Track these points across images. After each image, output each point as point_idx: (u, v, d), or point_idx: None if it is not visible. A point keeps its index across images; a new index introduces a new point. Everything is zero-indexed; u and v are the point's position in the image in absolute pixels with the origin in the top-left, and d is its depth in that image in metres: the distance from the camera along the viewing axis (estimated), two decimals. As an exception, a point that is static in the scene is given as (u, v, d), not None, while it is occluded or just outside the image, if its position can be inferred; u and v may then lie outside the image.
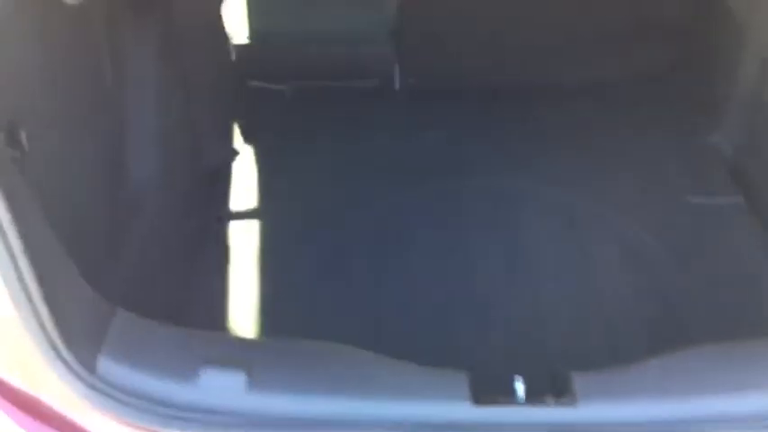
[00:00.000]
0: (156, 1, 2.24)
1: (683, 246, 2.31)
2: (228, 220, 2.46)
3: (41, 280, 1.25)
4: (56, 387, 1.33)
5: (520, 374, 1.42)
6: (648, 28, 2.89)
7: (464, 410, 1.34)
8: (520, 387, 1.41)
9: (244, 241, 2.39)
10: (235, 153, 2.71)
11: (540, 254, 2.33)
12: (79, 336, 1.35)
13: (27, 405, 1.40)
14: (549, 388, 1.41)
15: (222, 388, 1.40)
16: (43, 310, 1.26)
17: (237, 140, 2.77)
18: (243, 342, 1.65)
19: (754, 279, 2.21)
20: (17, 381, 1.39)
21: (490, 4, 2.94)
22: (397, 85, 3.12)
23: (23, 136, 1.38)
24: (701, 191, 2.49)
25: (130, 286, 1.81)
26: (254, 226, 2.46)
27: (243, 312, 2.15)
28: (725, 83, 2.60)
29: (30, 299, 1.24)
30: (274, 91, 3.09)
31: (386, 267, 2.31)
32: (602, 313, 2.13)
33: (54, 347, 1.29)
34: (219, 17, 2.66)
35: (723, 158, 2.59)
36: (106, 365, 1.39)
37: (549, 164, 2.63)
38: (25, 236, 1.21)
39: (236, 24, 3.05)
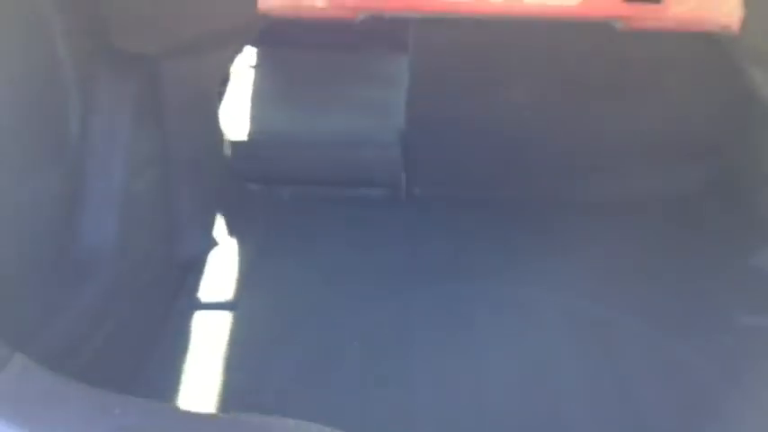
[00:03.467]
0: (140, 63, 2.04)
1: (734, 365, 1.93)
2: (197, 309, 2.11)
3: None
4: None
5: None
6: (680, 146, 2.67)
7: None
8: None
9: (213, 334, 2.03)
10: (214, 243, 2.40)
11: (567, 368, 1.95)
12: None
13: None
14: None
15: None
16: None
17: (219, 232, 2.48)
18: (178, 412, 1.27)
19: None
20: None
21: (505, 115, 2.76)
22: (403, 195, 2.88)
23: None
24: (750, 311, 2.14)
25: (70, 357, 1.49)
26: (228, 319, 2.10)
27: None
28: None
29: None
30: (271, 192, 2.85)
31: (380, 373, 1.93)
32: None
33: None
34: (214, 101, 2.46)
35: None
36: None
37: (573, 277, 2.31)
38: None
39: (236, 121, 2.88)
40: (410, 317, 2.16)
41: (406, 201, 2.86)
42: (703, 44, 2.29)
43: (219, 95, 2.55)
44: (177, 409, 1.42)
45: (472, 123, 2.77)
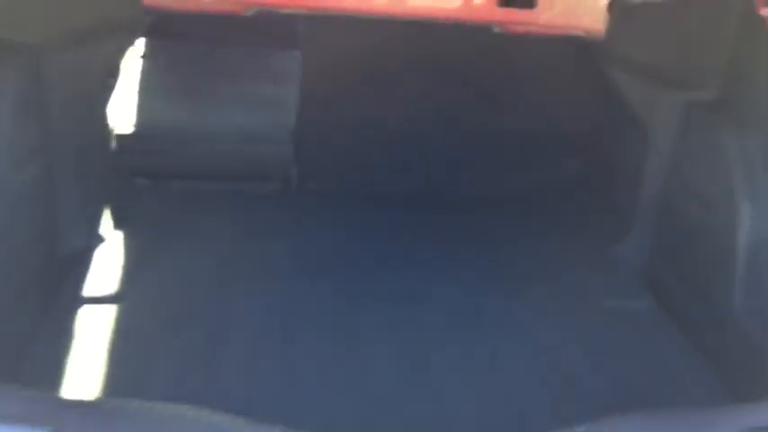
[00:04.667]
0: (22, 53, 2.00)
1: (593, 344, 2.10)
2: (80, 303, 2.09)
3: None
4: None
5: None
6: (552, 143, 2.86)
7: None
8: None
9: (97, 327, 2.02)
10: (99, 239, 2.38)
11: (444, 349, 2.06)
12: None
13: None
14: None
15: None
16: None
17: (106, 227, 2.46)
18: (58, 400, 1.27)
19: (670, 378, 2.00)
20: None
21: (393, 112, 2.86)
22: (294, 188, 2.93)
23: None
24: (613, 295, 2.33)
25: None
26: (113, 312, 2.09)
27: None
28: (631, 191, 2.54)
29: None
30: (160, 187, 2.83)
31: (265, 360, 1.97)
32: (513, 408, 1.85)
33: None
34: (99, 94, 2.43)
35: (632, 265, 2.46)
36: None
37: (453, 265, 2.43)
38: None
39: (124, 114, 2.84)
40: (297, 306, 2.21)
41: (298, 195, 2.91)
42: (573, 49, 2.46)
43: (108, 88, 2.51)
44: (59, 397, 1.42)
45: (362, 120, 2.86)
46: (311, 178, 2.95)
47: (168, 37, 2.99)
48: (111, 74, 2.63)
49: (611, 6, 2.25)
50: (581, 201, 2.84)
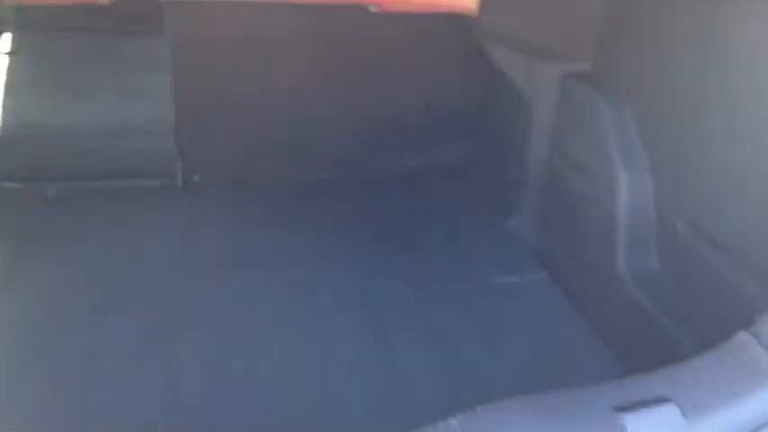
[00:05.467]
0: None
1: (489, 324, 2.09)
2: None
3: None
4: None
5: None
6: (440, 121, 2.83)
7: None
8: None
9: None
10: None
11: (336, 343, 2.01)
12: None
13: None
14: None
15: None
16: None
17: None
18: None
19: (564, 353, 2.01)
20: None
21: (274, 97, 2.77)
22: (180, 183, 2.81)
23: None
24: (505, 271, 2.33)
25: None
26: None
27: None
28: (518, 165, 2.54)
29: None
30: (31, 191, 2.66)
31: (148, 371, 1.87)
32: (406, 400, 1.82)
33: None
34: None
35: (523, 239, 2.47)
36: None
37: (346, 253, 2.39)
38: None
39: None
40: (181, 309, 2.11)
41: (184, 189, 2.79)
42: (452, 26, 2.43)
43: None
44: None
45: (243, 106, 2.76)
46: (197, 171, 2.84)
47: (30, 29, 2.80)
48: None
49: (484, -19, 2.23)
50: (470, 178, 2.83)
